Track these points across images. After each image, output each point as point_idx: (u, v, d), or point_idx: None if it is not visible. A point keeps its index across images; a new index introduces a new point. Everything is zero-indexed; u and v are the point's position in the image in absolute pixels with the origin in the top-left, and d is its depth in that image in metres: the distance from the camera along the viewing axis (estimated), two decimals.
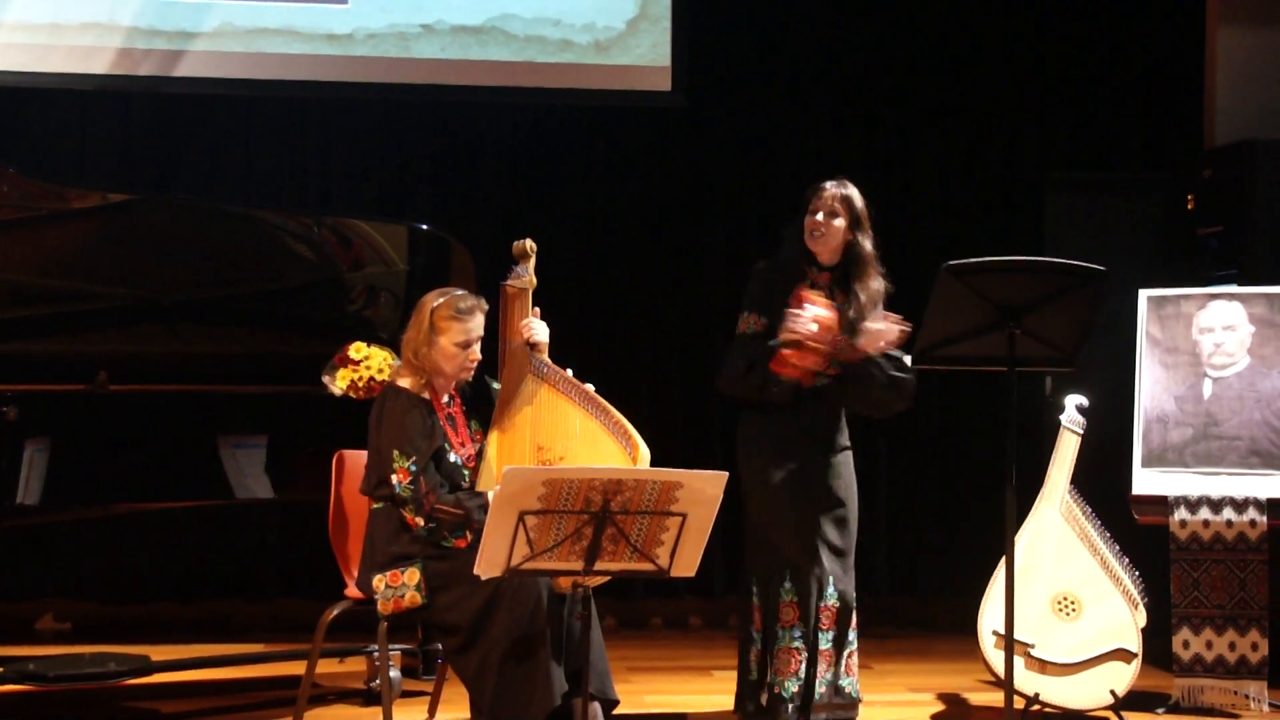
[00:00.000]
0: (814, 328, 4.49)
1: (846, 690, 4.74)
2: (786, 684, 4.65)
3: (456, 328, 4.41)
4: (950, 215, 6.99)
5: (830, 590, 4.69)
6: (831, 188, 4.72)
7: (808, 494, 4.67)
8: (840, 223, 4.69)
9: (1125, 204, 6.40)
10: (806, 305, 4.52)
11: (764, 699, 4.71)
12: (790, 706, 4.65)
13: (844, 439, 4.78)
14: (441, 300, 4.45)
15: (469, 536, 4.29)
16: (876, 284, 4.72)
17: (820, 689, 4.68)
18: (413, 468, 4.30)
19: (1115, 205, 6.41)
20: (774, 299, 4.67)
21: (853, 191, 4.74)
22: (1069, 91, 7.00)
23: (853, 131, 6.99)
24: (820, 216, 4.69)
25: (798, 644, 4.65)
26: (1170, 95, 6.94)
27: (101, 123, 6.55)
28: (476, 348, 4.44)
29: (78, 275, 5.09)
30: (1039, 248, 6.58)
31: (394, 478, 4.31)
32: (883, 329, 4.56)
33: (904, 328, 4.55)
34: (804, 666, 4.65)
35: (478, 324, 4.44)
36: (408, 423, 4.34)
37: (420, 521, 4.30)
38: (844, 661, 4.73)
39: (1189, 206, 6.27)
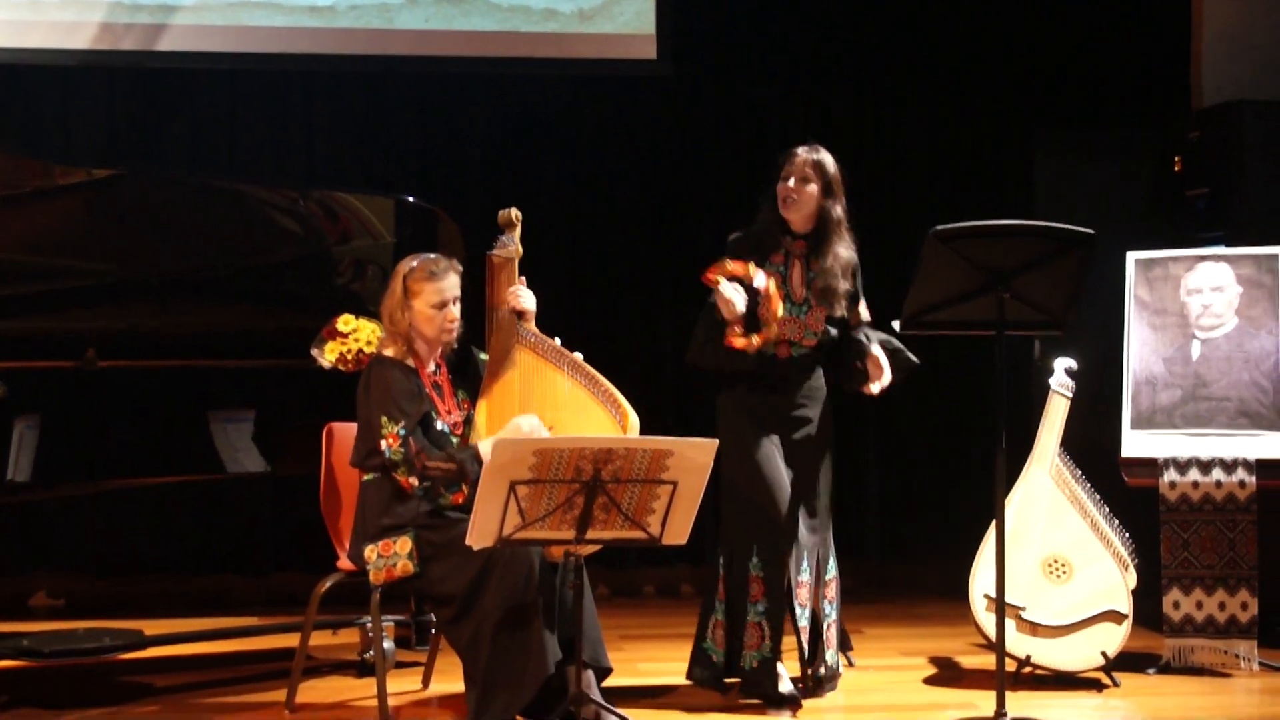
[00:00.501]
0: (740, 303, 4.51)
1: (829, 662, 4.77)
2: (750, 657, 4.66)
3: (430, 289, 4.41)
4: (938, 179, 6.98)
5: (805, 565, 4.68)
6: (803, 153, 4.69)
7: (782, 467, 4.66)
8: (813, 188, 4.66)
9: (1113, 166, 6.40)
10: (722, 284, 4.54)
11: (739, 676, 4.71)
12: (763, 679, 4.65)
13: (824, 408, 4.78)
14: (414, 264, 4.46)
15: (465, 490, 4.29)
16: (846, 252, 4.70)
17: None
18: (401, 432, 4.31)
19: (1103, 167, 6.41)
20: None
21: (825, 156, 4.70)
22: (1056, 53, 6.97)
23: (839, 96, 6.97)
24: (792, 182, 4.66)
25: (762, 619, 4.64)
26: (1158, 56, 6.92)
27: (84, 98, 6.50)
28: (453, 308, 4.44)
29: (64, 252, 5.07)
30: (1028, 211, 6.59)
31: (383, 443, 4.31)
32: (882, 368, 4.62)
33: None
34: (767, 641, 4.63)
35: (451, 284, 4.44)
36: (394, 388, 4.35)
37: (414, 481, 4.31)
38: (824, 635, 4.74)
39: (1176, 168, 6.26)
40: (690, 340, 4.75)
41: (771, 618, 4.63)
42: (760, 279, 4.60)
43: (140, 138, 6.53)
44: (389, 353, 4.46)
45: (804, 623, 4.69)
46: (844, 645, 4.95)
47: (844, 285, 4.68)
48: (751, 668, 4.64)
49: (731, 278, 4.58)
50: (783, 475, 4.65)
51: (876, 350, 4.63)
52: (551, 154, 6.81)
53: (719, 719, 4.59)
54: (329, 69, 6.62)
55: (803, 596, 4.68)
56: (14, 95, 6.46)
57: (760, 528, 4.63)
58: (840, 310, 4.70)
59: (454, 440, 4.45)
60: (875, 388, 4.65)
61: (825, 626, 4.75)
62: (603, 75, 6.79)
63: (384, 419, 4.33)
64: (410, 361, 4.45)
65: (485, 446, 4.26)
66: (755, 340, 4.61)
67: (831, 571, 4.78)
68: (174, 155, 6.53)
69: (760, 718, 4.60)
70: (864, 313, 4.79)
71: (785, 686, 4.65)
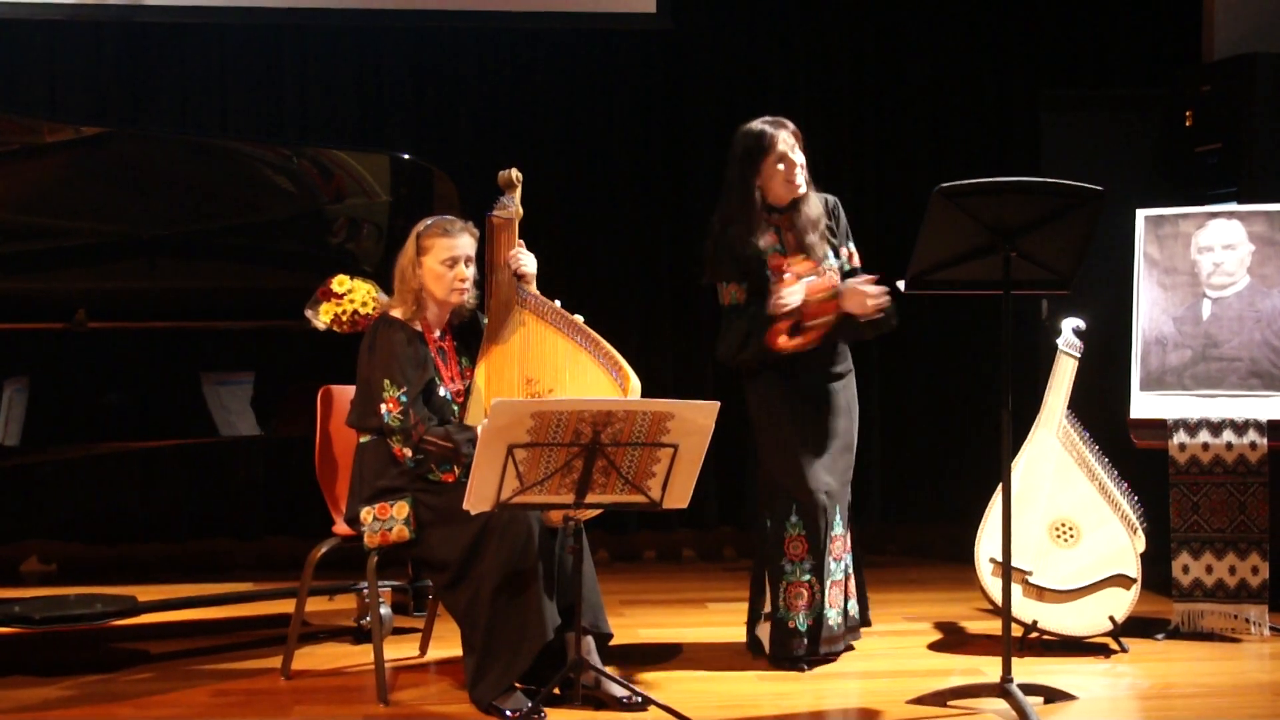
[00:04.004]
0: (798, 299, 4.49)
1: (852, 614, 4.81)
2: (799, 618, 4.66)
3: (442, 244, 4.36)
4: (943, 136, 6.89)
5: (837, 519, 4.71)
6: (781, 128, 4.67)
7: (813, 425, 4.69)
8: (802, 156, 4.69)
9: (1122, 121, 6.31)
10: (789, 279, 4.52)
11: (768, 632, 4.70)
12: (804, 640, 4.67)
13: (847, 363, 4.80)
14: (429, 221, 4.43)
15: (456, 471, 4.25)
16: (815, 210, 4.72)
17: (838, 619, 4.73)
18: (403, 398, 4.26)
19: (1112, 123, 6.32)
20: (749, 260, 4.66)
21: (791, 124, 4.72)
22: (1064, 6, 6.87)
23: (842, 51, 6.87)
24: (793, 158, 4.65)
25: (809, 577, 4.66)
26: (1168, 8, 6.83)
27: (72, 53, 6.40)
28: (465, 269, 4.38)
29: (53, 211, 5.02)
30: (1035, 167, 6.50)
31: (383, 407, 4.27)
32: (866, 291, 4.54)
33: (882, 301, 4.55)
34: (819, 598, 4.66)
35: (465, 243, 4.39)
36: (400, 352, 4.31)
37: (408, 453, 4.26)
38: (847, 586, 4.78)
39: (1187, 123, 6.17)
40: (721, 343, 4.72)
41: (819, 575, 4.65)
42: (824, 276, 4.60)
43: (130, 94, 6.45)
44: (397, 314, 4.40)
45: (839, 576, 4.72)
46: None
47: (814, 236, 4.68)
48: (808, 627, 4.65)
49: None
50: (812, 433, 4.67)
51: (853, 282, 4.61)
52: (549, 110, 6.72)
53: (722, 685, 4.55)
54: (322, 23, 6.52)
55: (837, 550, 4.71)
56: (0, 50, 6.35)
57: (796, 487, 4.65)
58: (825, 254, 4.70)
59: (455, 408, 4.39)
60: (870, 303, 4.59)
61: (846, 579, 4.78)
62: (601, 29, 6.69)
63: (386, 382, 4.27)
64: (417, 325, 4.39)
65: None
66: (798, 341, 4.59)
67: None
68: (164, 112, 6.45)
69: (764, 681, 4.57)
70: (853, 256, 4.84)
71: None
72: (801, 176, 4.67)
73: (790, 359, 4.65)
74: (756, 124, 4.69)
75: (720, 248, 4.70)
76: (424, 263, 4.37)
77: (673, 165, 6.81)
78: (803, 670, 4.64)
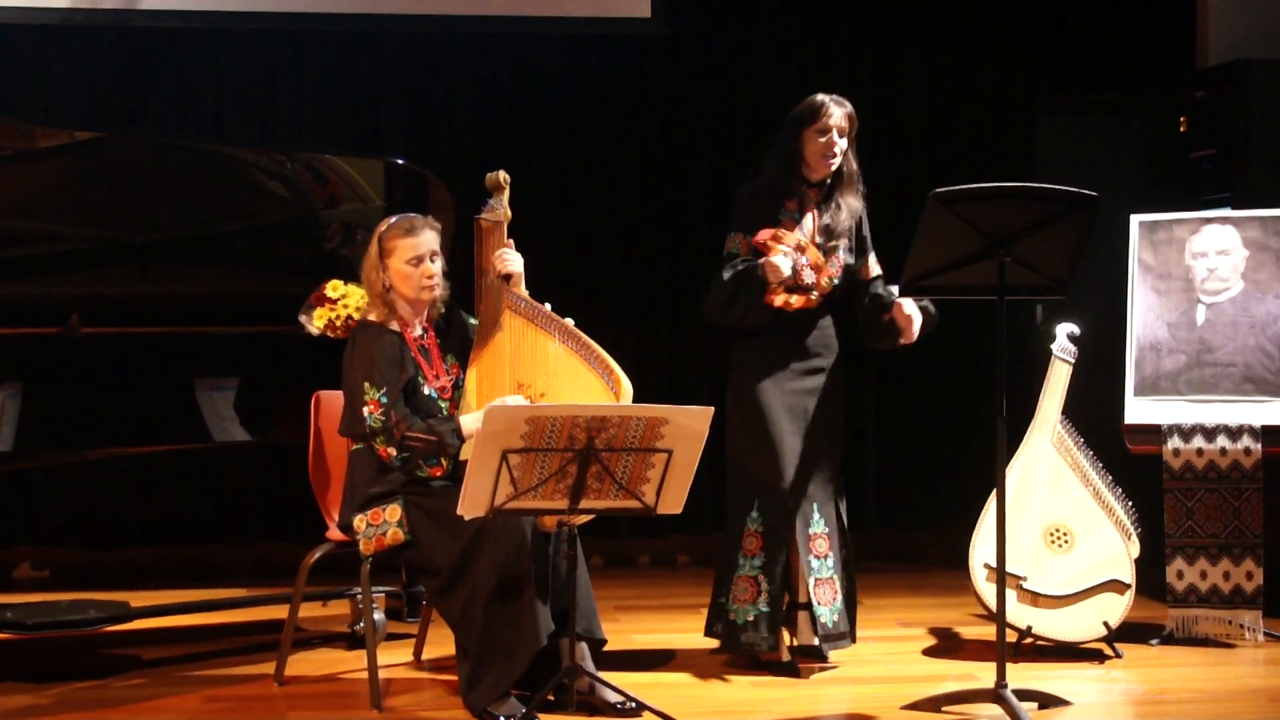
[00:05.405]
0: (787, 269, 4.52)
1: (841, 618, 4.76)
2: (742, 611, 4.65)
3: (404, 244, 4.36)
4: (938, 140, 6.88)
5: (817, 517, 4.68)
6: (837, 106, 4.69)
7: (796, 418, 4.67)
8: (845, 141, 4.70)
9: (1116, 127, 6.32)
10: (777, 250, 4.55)
11: (718, 627, 4.71)
12: (748, 634, 4.64)
13: (835, 357, 4.77)
14: (390, 222, 4.43)
15: (444, 464, 4.25)
16: (856, 201, 4.75)
17: (833, 616, 4.70)
18: (383, 399, 4.25)
19: (1106, 128, 6.33)
20: (764, 218, 4.67)
21: (851, 108, 4.73)
22: (1059, 12, 6.87)
23: (838, 55, 6.86)
24: (835, 136, 4.67)
25: (757, 574, 4.64)
26: (1162, 14, 6.82)
27: (66, 58, 6.37)
28: (430, 264, 4.38)
29: (47, 216, 5.02)
30: (1030, 172, 6.50)
31: (365, 410, 4.26)
32: (912, 317, 4.60)
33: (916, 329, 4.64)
34: (764, 596, 4.62)
35: (427, 239, 4.38)
36: (377, 353, 4.30)
37: (392, 452, 4.25)
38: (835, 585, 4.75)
39: (1181, 129, 6.18)
40: (709, 295, 4.70)
41: (769, 573, 4.61)
42: (806, 256, 4.61)
43: (124, 99, 6.42)
44: (373, 317, 4.41)
45: (825, 574, 4.68)
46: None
47: (848, 225, 4.70)
48: (746, 622, 4.63)
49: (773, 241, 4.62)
50: (789, 428, 4.63)
51: (904, 303, 4.61)
52: (543, 114, 6.71)
53: (716, 691, 4.54)
54: (318, 27, 6.51)
55: (819, 548, 4.67)
56: None
57: (762, 482, 4.63)
58: (840, 245, 4.71)
59: (442, 405, 4.38)
60: (911, 333, 4.64)
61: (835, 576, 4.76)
62: (596, 34, 6.68)
63: (366, 384, 4.27)
64: (394, 325, 4.39)
65: (468, 421, 4.22)
66: (795, 301, 4.60)
67: (845, 523, 4.80)
68: (158, 117, 6.43)
69: (758, 688, 4.55)
70: (875, 266, 4.82)
71: (783, 653, 4.68)
72: (838, 159, 4.66)
73: (774, 346, 4.66)
74: (821, 95, 4.72)
75: (749, 198, 4.71)
76: (389, 265, 4.36)
77: (669, 169, 6.80)
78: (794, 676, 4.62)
